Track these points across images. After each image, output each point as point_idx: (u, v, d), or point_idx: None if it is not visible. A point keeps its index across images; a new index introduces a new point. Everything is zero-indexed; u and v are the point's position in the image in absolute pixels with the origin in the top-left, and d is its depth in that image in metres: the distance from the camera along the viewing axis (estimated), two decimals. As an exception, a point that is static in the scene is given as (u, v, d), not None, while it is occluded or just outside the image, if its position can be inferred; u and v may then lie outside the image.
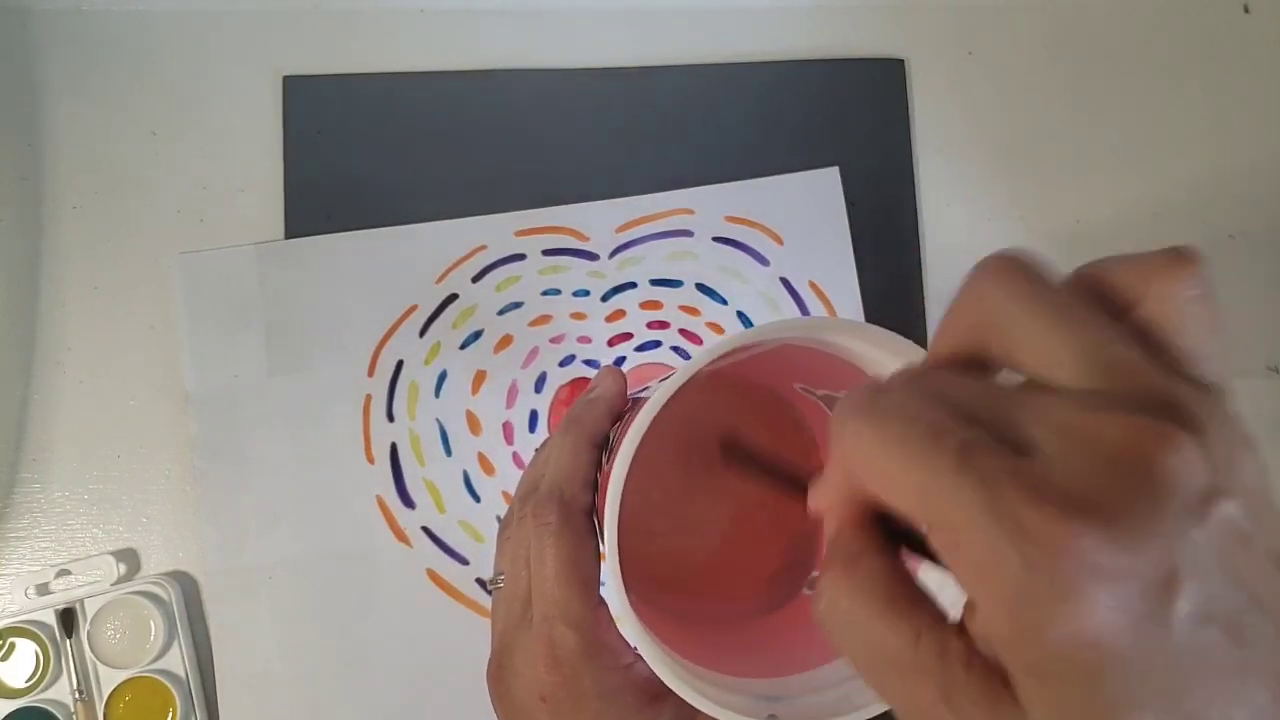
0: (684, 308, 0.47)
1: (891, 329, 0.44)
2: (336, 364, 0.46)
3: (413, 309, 0.47)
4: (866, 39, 0.50)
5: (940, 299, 0.48)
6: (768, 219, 0.48)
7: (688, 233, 0.48)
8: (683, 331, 0.47)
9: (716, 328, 0.47)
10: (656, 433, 0.28)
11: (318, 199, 0.47)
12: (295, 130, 0.48)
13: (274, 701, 0.44)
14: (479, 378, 0.47)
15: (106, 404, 0.46)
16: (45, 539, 0.45)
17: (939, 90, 0.50)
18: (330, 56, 0.49)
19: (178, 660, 0.44)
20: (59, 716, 0.43)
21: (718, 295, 0.48)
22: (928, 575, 0.20)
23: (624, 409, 0.33)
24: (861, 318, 0.47)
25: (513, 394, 0.47)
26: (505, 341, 0.47)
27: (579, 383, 0.47)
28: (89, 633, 0.43)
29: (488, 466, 0.46)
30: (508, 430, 0.46)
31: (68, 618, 0.43)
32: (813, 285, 0.48)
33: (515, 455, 0.46)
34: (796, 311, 0.47)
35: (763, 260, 0.48)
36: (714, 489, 0.38)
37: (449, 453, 0.46)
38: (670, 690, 0.26)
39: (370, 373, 0.46)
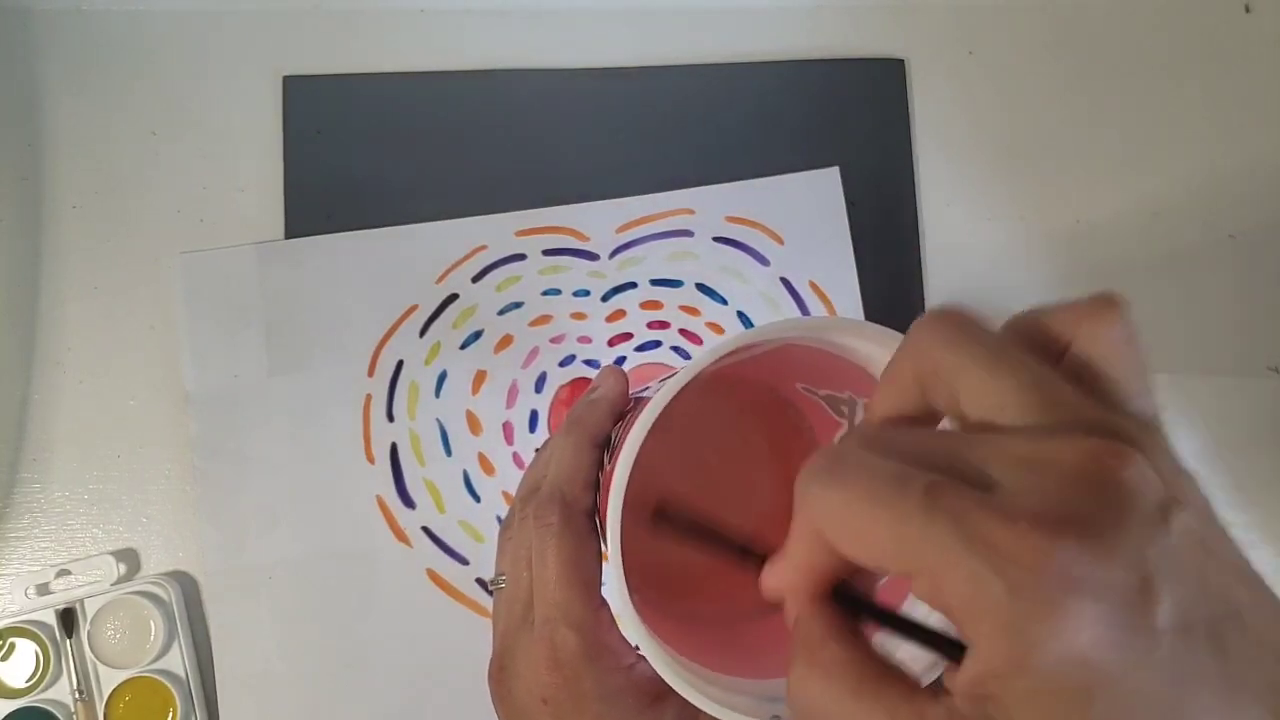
0: (684, 308, 0.47)
1: (891, 329, 0.44)
2: (336, 364, 0.46)
3: (413, 309, 0.47)
4: (866, 39, 0.50)
5: (940, 299, 0.48)
6: (768, 219, 0.48)
7: (688, 233, 0.48)
8: (683, 331, 0.47)
9: (716, 328, 0.47)
10: (658, 433, 0.28)
11: (318, 199, 0.47)
12: (295, 130, 0.48)
13: (274, 701, 0.44)
14: (479, 378, 0.47)
15: (106, 404, 0.46)
16: (45, 539, 0.45)
17: (939, 90, 0.50)
18: (330, 56, 0.49)
19: (178, 660, 0.44)
20: (59, 716, 0.43)
21: (718, 295, 0.48)
22: (885, 641, 0.20)
23: (626, 409, 0.33)
24: (862, 318, 0.47)
25: (513, 394, 0.47)
26: (505, 341, 0.47)
27: (579, 383, 0.47)
28: (89, 633, 0.43)
29: (488, 466, 0.46)
30: (508, 430, 0.46)
31: (68, 618, 0.43)
32: (813, 285, 0.48)
33: (515, 455, 0.46)
34: (797, 311, 0.47)
35: (763, 260, 0.48)
36: (716, 489, 0.38)
37: (449, 453, 0.46)
38: (672, 691, 0.26)
39: (370, 373, 0.46)
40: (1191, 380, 0.45)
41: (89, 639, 0.43)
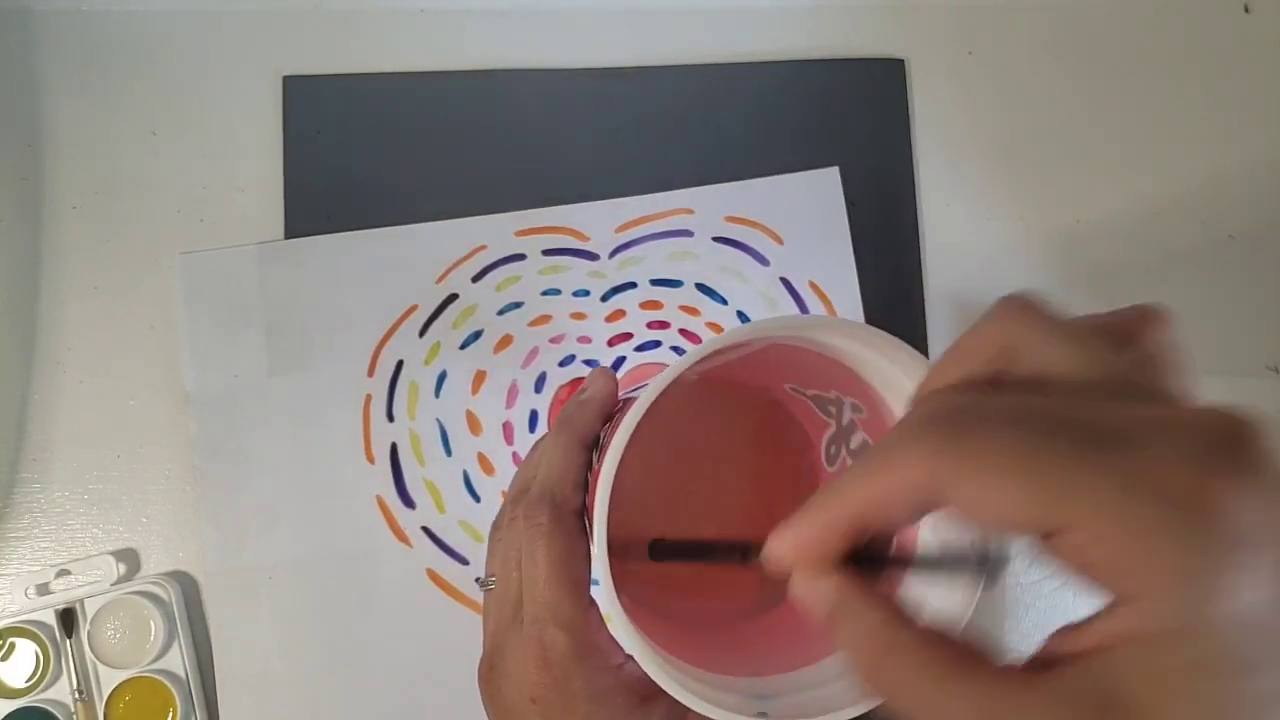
0: (684, 308, 0.47)
1: (891, 329, 0.44)
2: (336, 364, 0.46)
3: (413, 309, 0.47)
4: (866, 39, 0.50)
5: (940, 299, 0.48)
6: (768, 219, 0.48)
7: (688, 233, 0.48)
8: (683, 331, 0.47)
9: (716, 328, 0.47)
10: (648, 434, 0.28)
11: (318, 199, 0.47)
12: (295, 130, 0.48)
13: (274, 701, 0.44)
14: (479, 378, 0.47)
15: (106, 404, 0.46)
16: (45, 539, 0.45)
17: (939, 90, 0.50)
18: (330, 56, 0.49)
19: (178, 660, 0.44)
20: (59, 716, 0.43)
21: (718, 295, 0.48)
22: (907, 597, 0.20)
23: (615, 410, 0.33)
24: (861, 318, 0.47)
25: (513, 394, 0.47)
26: (505, 341, 0.47)
27: (579, 383, 0.47)
28: (89, 633, 0.43)
29: (488, 466, 0.46)
30: (508, 430, 0.46)
31: (68, 618, 0.43)
32: (813, 285, 0.48)
33: (515, 455, 0.46)
34: (797, 312, 0.47)
35: (763, 260, 0.48)
36: (707, 490, 0.38)
37: (449, 453, 0.46)
38: (661, 691, 0.26)
39: (370, 373, 0.46)
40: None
41: (89, 639, 0.43)
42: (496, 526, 0.31)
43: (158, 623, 0.43)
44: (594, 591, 0.29)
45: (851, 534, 0.19)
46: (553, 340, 0.47)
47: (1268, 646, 0.14)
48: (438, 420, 0.46)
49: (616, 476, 0.26)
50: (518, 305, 0.47)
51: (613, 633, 0.27)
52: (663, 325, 0.47)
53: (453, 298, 0.47)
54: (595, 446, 0.32)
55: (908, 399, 0.30)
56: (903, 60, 0.50)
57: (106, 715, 0.43)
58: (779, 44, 0.50)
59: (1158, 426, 0.15)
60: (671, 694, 0.25)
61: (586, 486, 0.31)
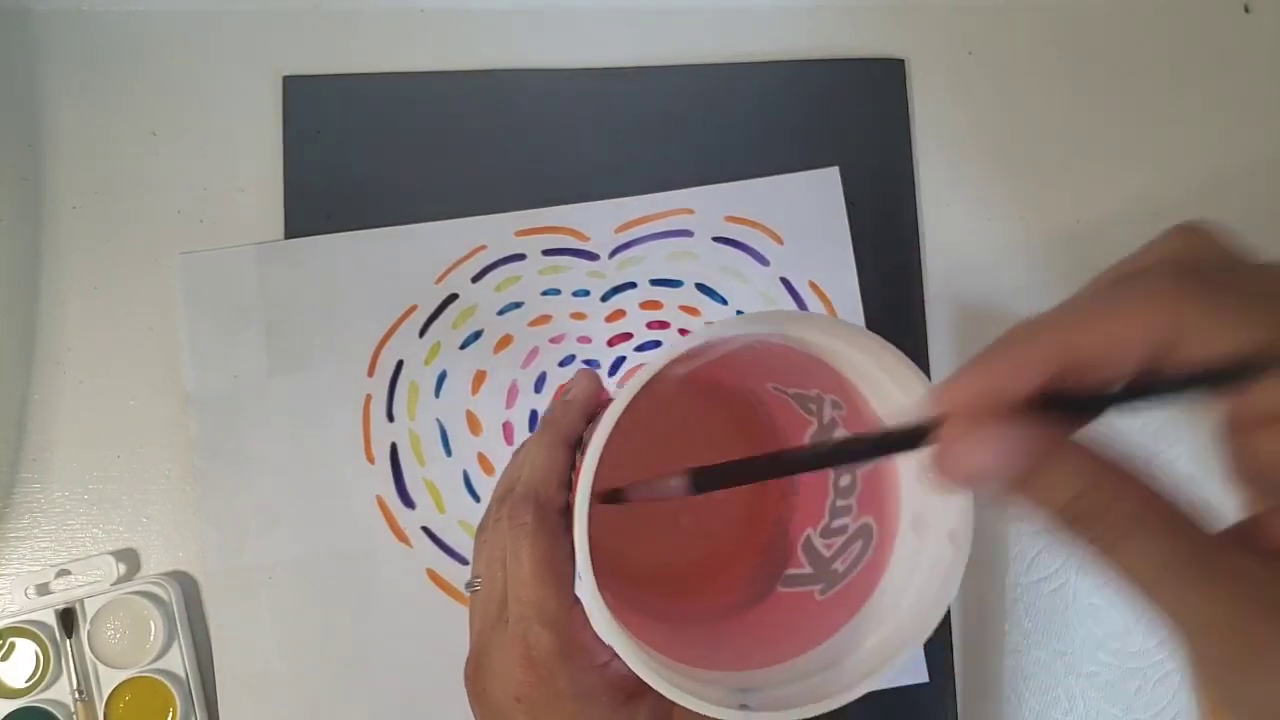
0: (684, 308, 0.47)
1: (891, 329, 0.44)
2: (336, 364, 0.46)
3: (413, 309, 0.47)
4: (866, 39, 0.50)
5: (940, 299, 0.48)
6: (768, 219, 0.48)
7: (688, 233, 0.48)
8: (683, 331, 0.47)
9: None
10: (633, 434, 0.28)
11: (318, 199, 0.47)
12: (295, 130, 0.48)
13: (274, 701, 0.44)
14: (479, 378, 0.47)
15: (106, 404, 0.46)
16: (45, 539, 0.45)
17: (939, 90, 0.50)
18: (330, 56, 0.49)
19: (178, 660, 0.44)
20: (59, 716, 0.43)
21: (718, 295, 0.48)
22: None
23: (599, 409, 0.33)
24: (861, 318, 0.47)
25: (513, 394, 0.47)
26: (505, 341, 0.47)
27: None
28: (89, 633, 0.43)
29: (488, 466, 0.46)
30: (508, 430, 0.46)
31: (68, 618, 0.43)
32: (813, 285, 0.48)
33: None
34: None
35: (763, 260, 0.48)
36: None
37: (449, 453, 0.46)
38: (646, 689, 0.26)
39: (370, 373, 0.46)
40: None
41: (89, 639, 0.43)
42: (482, 528, 0.31)
43: (158, 623, 0.43)
44: (578, 590, 0.29)
45: (1052, 376, 0.17)
46: (553, 340, 0.47)
47: None
48: (438, 420, 0.46)
49: (598, 477, 0.27)
50: (518, 305, 0.47)
51: (593, 624, 0.27)
52: (663, 325, 0.47)
53: (453, 298, 0.47)
54: (579, 446, 0.32)
55: (884, 393, 0.30)
56: (903, 60, 0.50)
57: (106, 715, 0.43)
58: (779, 44, 0.50)
59: None
60: (651, 684, 0.25)
61: (571, 486, 0.31)
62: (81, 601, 0.43)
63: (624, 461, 0.37)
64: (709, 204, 0.48)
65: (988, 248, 0.49)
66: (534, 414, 0.47)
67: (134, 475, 0.46)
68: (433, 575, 0.45)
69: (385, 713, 0.44)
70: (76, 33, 0.48)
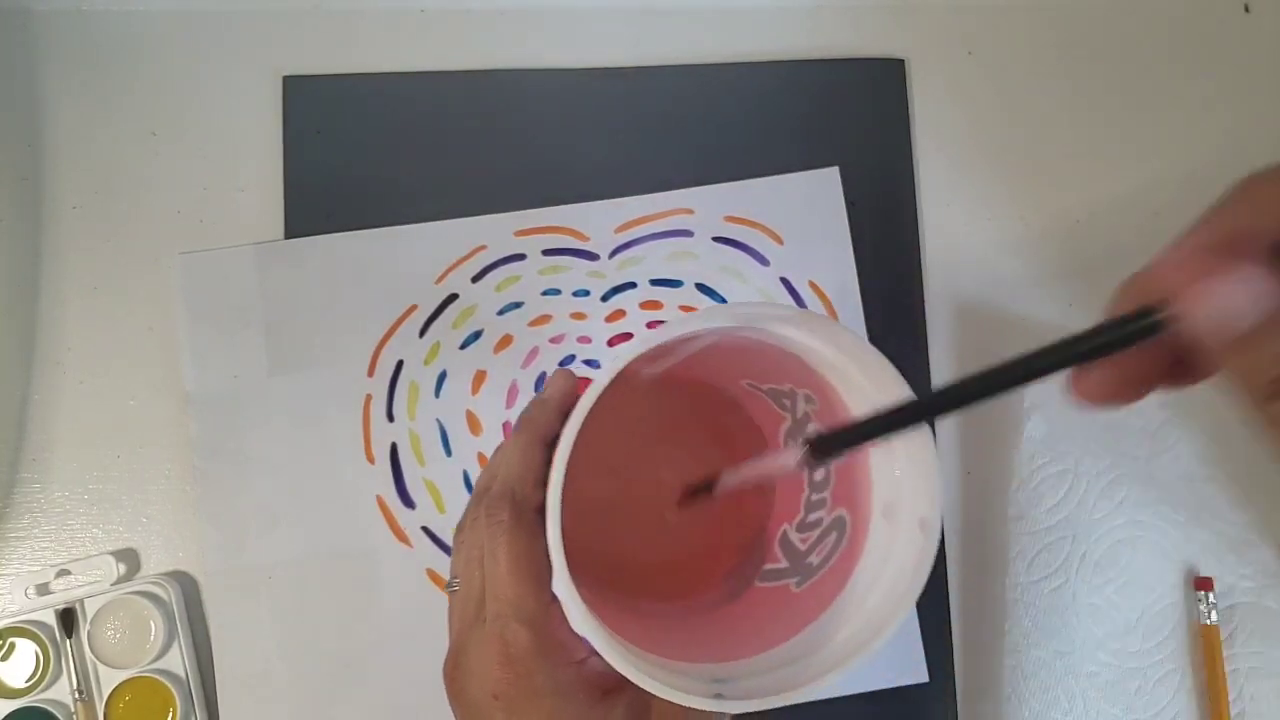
0: (684, 308, 0.47)
1: (891, 329, 0.44)
2: (336, 364, 0.46)
3: (413, 309, 0.47)
4: (866, 39, 0.50)
5: (940, 299, 0.48)
6: (768, 219, 0.48)
7: (688, 233, 0.48)
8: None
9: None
10: (610, 433, 0.28)
11: (318, 199, 0.47)
12: (295, 130, 0.48)
13: (274, 701, 0.44)
14: (479, 378, 0.47)
15: (106, 404, 0.46)
16: (45, 539, 0.45)
17: (939, 90, 0.50)
18: (330, 56, 0.49)
19: (178, 660, 0.44)
20: (59, 716, 0.43)
21: (718, 295, 0.48)
22: None
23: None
24: (861, 317, 0.47)
25: (513, 394, 0.47)
26: (505, 341, 0.47)
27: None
28: (89, 633, 0.43)
29: (488, 466, 0.46)
30: (508, 430, 0.46)
31: (68, 618, 0.43)
32: (813, 285, 0.48)
33: (515, 455, 0.46)
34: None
35: (763, 260, 0.48)
36: (670, 490, 0.39)
37: (449, 453, 0.46)
38: (624, 685, 0.26)
39: (370, 373, 0.46)
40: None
41: (89, 639, 0.43)
42: (460, 528, 0.32)
43: (158, 623, 0.43)
44: (555, 587, 0.29)
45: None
46: (553, 340, 0.47)
47: None
48: (438, 420, 0.46)
49: (576, 477, 0.27)
50: (518, 305, 0.47)
51: (571, 622, 0.27)
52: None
53: (453, 298, 0.47)
54: (555, 445, 0.32)
55: (855, 385, 0.30)
56: (903, 60, 0.50)
57: (106, 715, 0.43)
58: (779, 44, 0.50)
59: None
60: (624, 674, 0.25)
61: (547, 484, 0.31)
62: (81, 601, 0.43)
63: (603, 460, 0.37)
64: (709, 204, 0.48)
65: (988, 247, 0.49)
66: (534, 414, 0.47)
67: (134, 475, 0.46)
68: (433, 575, 0.45)
69: (385, 713, 0.44)
70: (76, 33, 0.48)
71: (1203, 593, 0.43)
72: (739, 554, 0.38)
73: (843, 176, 0.48)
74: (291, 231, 0.47)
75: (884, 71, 0.50)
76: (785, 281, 0.48)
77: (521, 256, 0.47)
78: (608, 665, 0.26)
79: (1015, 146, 0.50)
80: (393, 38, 0.49)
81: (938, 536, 0.28)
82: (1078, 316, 0.47)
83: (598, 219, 0.48)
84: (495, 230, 0.47)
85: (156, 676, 0.43)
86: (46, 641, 0.43)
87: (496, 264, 0.47)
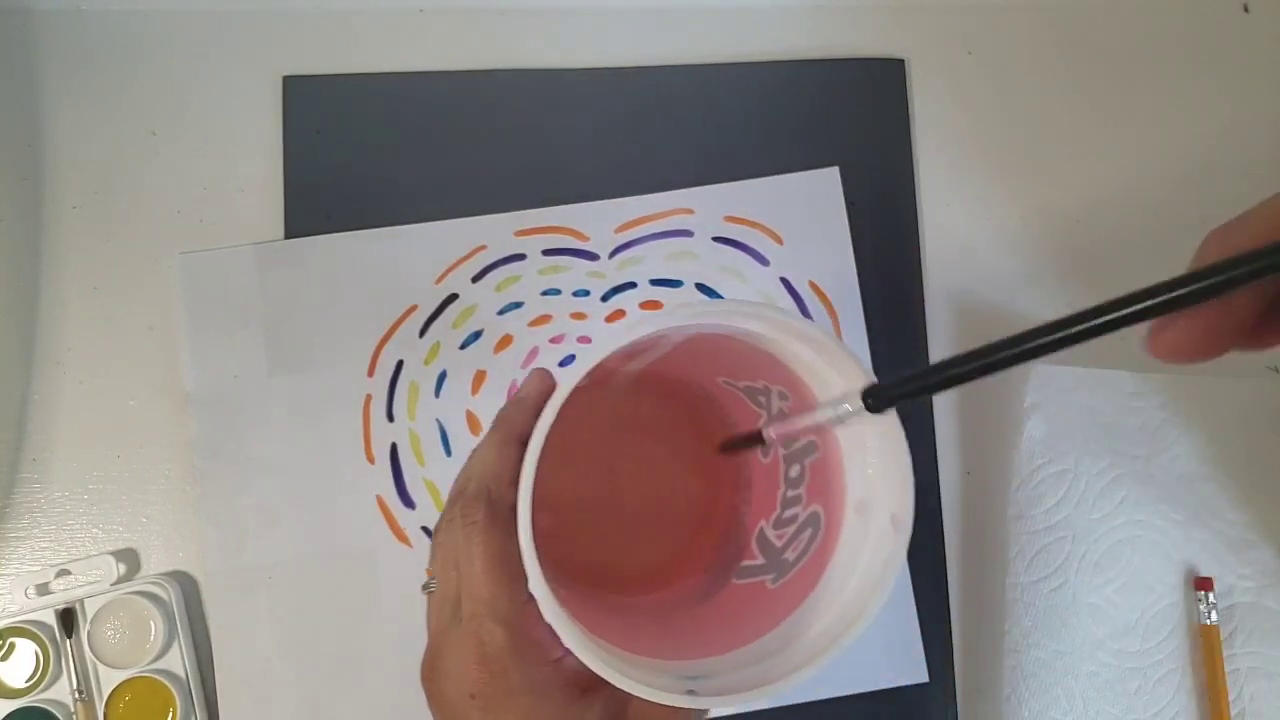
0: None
1: (891, 329, 0.44)
2: (336, 364, 0.46)
3: (413, 309, 0.47)
4: (866, 39, 0.50)
5: (940, 299, 0.48)
6: (768, 219, 0.48)
7: (688, 233, 0.48)
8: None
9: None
10: (588, 432, 0.28)
11: (318, 199, 0.47)
12: (295, 130, 0.48)
13: (274, 701, 0.44)
14: (479, 378, 0.47)
15: (106, 404, 0.46)
16: (45, 539, 0.45)
17: (939, 90, 0.50)
18: (330, 56, 0.49)
19: (178, 660, 0.44)
20: (59, 716, 0.43)
21: (718, 295, 0.48)
22: None
23: None
24: (861, 317, 0.47)
25: (513, 394, 0.47)
26: (505, 341, 0.47)
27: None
28: (89, 633, 0.43)
29: (488, 466, 0.46)
30: (508, 430, 0.46)
31: (68, 618, 0.43)
32: (812, 285, 0.48)
33: (515, 455, 0.46)
34: (797, 312, 0.47)
35: (763, 260, 0.48)
36: (649, 488, 0.39)
37: (449, 453, 0.46)
38: (601, 684, 0.26)
39: (370, 373, 0.46)
40: (1191, 380, 0.45)
41: (89, 639, 0.43)
42: (437, 529, 0.31)
43: (158, 623, 0.43)
44: (531, 586, 0.29)
45: None
46: (553, 340, 0.47)
47: None
48: (438, 420, 0.46)
49: (556, 476, 0.27)
50: (518, 305, 0.47)
51: (542, 612, 0.27)
52: (663, 325, 0.47)
53: (453, 298, 0.47)
54: None
55: (826, 381, 0.30)
56: (903, 60, 0.50)
57: (106, 715, 0.43)
58: (779, 44, 0.50)
59: None
60: (596, 670, 0.25)
61: None
62: (81, 601, 0.43)
63: (582, 458, 0.37)
64: (709, 204, 0.48)
65: (988, 247, 0.49)
66: (534, 414, 0.47)
67: (134, 475, 0.46)
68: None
69: (385, 712, 0.44)
70: (76, 32, 0.48)
71: (1203, 593, 0.43)
72: (717, 551, 0.38)
73: (843, 176, 0.48)
74: (291, 231, 0.47)
75: (884, 71, 0.50)
76: (785, 281, 0.48)
77: (521, 256, 0.47)
78: (584, 664, 0.26)
79: (1015, 146, 0.50)
80: (393, 38, 0.49)
81: (909, 532, 0.28)
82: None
83: (598, 219, 0.48)
84: (495, 230, 0.47)
85: (156, 676, 0.43)
86: (46, 641, 0.43)
87: (496, 264, 0.47)
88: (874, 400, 0.26)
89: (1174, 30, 0.51)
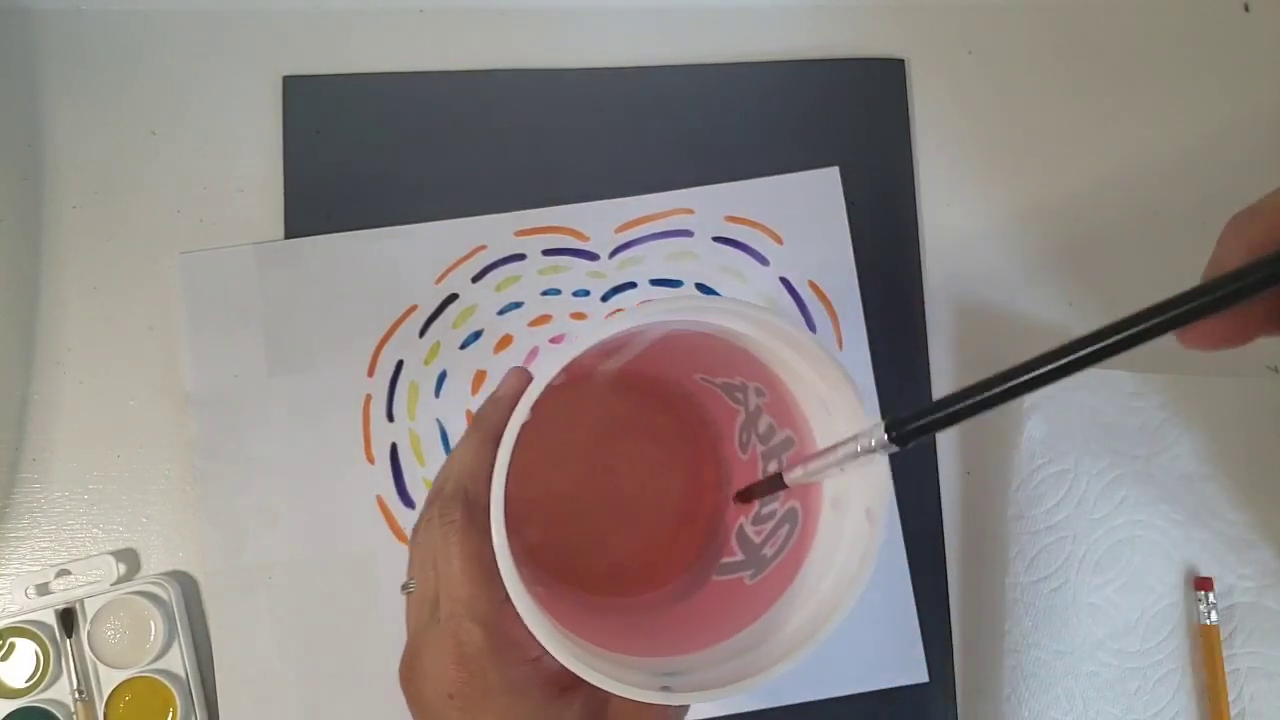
0: (684, 308, 0.47)
1: (892, 329, 0.44)
2: (336, 364, 0.46)
3: (412, 309, 0.47)
4: (866, 39, 0.50)
5: (940, 299, 0.48)
6: (768, 219, 0.48)
7: (688, 232, 0.48)
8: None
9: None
10: (567, 431, 0.28)
11: (317, 199, 0.47)
12: (295, 130, 0.48)
13: (274, 701, 0.44)
14: (479, 378, 0.47)
15: (106, 404, 0.46)
16: (45, 539, 0.45)
17: (939, 90, 0.50)
18: (330, 56, 0.49)
19: (178, 660, 0.44)
20: (59, 716, 0.43)
21: (718, 295, 0.48)
22: None
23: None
24: (861, 317, 0.47)
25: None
26: (505, 341, 0.47)
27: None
28: (89, 633, 0.43)
29: (488, 466, 0.46)
30: (508, 430, 0.46)
31: (68, 618, 0.43)
32: (812, 285, 0.48)
33: (515, 455, 0.46)
34: (797, 312, 0.47)
35: (763, 260, 0.48)
36: (631, 488, 0.39)
37: (449, 453, 0.46)
38: (579, 683, 0.26)
39: (370, 373, 0.46)
40: (1191, 380, 0.45)
41: (89, 639, 0.43)
42: (416, 530, 0.31)
43: (158, 623, 0.43)
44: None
45: None
46: (553, 340, 0.47)
47: None
48: (438, 420, 0.46)
49: (537, 475, 0.27)
50: (518, 305, 0.47)
51: (518, 609, 0.27)
52: (663, 325, 0.47)
53: (453, 298, 0.47)
54: None
55: (798, 376, 0.30)
56: (903, 60, 0.50)
57: (106, 715, 0.43)
58: (779, 44, 0.50)
59: None
60: (570, 667, 0.25)
61: None
62: (81, 601, 0.43)
63: (562, 457, 0.37)
64: (709, 204, 0.48)
65: (988, 247, 0.49)
66: (534, 414, 0.47)
67: (134, 475, 0.46)
68: (433, 575, 0.45)
69: (385, 712, 0.44)
70: (76, 32, 0.48)
71: (1203, 593, 0.43)
72: (698, 549, 0.38)
73: (843, 176, 0.48)
74: (291, 231, 0.47)
75: (884, 71, 0.50)
76: (785, 281, 0.48)
77: (521, 256, 0.47)
78: (561, 663, 0.26)
79: (1015, 146, 0.50)
80: (392, 38, 0.49)
81: (884, 526, 0.28)
82: (1078, 315, 0.48)
83: (598, 219, 0.48)
84: (495, 230, 0.47)
85: (156, 676, 0.43)
86: (46, 641, 0.43)
87: (496, 264, 0.47)
88: (899, 434, 0.24)
89: (1174, 30, 0.51)
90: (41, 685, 0.43)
